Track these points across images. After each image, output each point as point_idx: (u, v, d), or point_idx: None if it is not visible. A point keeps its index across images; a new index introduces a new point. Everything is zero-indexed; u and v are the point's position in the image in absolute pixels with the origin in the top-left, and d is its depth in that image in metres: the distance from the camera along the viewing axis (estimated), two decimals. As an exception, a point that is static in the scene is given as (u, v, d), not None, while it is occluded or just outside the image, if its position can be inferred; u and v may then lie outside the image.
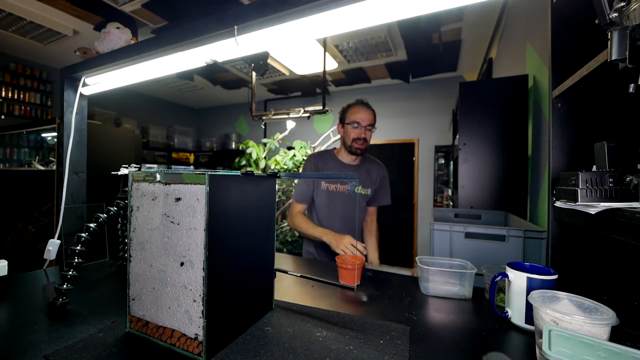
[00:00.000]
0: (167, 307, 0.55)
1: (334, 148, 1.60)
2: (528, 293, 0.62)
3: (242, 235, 0.60)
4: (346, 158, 1.50)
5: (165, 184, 0.56)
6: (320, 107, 2.77)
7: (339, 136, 1.53)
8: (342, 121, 1.49)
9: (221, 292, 0.54)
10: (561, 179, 0.71)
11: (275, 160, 3.37)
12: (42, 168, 3.05)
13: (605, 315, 0.49)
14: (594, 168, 0.66)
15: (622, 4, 0.45)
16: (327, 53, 3.26)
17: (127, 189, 0.76)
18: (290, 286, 0.90)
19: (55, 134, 2.98)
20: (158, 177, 0.58)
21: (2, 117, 3.89)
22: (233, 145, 5.84)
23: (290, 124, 3.70)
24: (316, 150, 3.37)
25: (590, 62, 0.61)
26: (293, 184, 3.57)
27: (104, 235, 1.11)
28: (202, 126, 6.84)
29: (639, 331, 0.58)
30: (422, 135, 4.70)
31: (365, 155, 1.54)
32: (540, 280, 0.63)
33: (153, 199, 0.58)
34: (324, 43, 3.06)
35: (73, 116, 1.22)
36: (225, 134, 6.04)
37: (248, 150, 3.46)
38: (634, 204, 0.52)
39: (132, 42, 1.20)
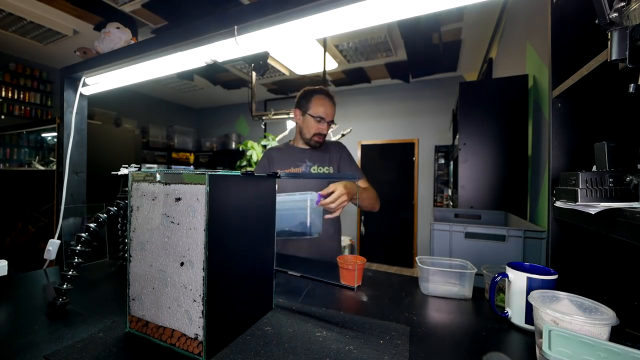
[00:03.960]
0: (167, 307, 0.55)
1: (292, 141, 1.52)
2: (528, 293, 0.62)
3: (242, 235, 0.60)
4: (300, 145, 1.43)
5: (165, 184, 0.56)
6: (320, 107, 2.77)
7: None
8: (302, 108, 1.36)
9: (221, 292, 0.54)
10: (561, 179, 0.71)
11: (275, 160, 3.37)
12: (42, 168, 3.05)
13: (605, 315, 0.49)
14: (594, 168, 0.66)
15: (622, 4, 0.45)
16: (327, 53, 3.26)
17: (127, 189, 0.76)
18: (290, 286, 0.90)
19: (55, 134, 2.98)
20: (158, 177, 0.58)
21: (2, 117, 3.89)
22: (233, 145, 5.84)
23: (290, 124, 3.70)
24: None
25: (590, 62, 0.61)
26: (293, 184, 3.56)
27: (103, 235, 1.11)
28: (202, 126, 6.84)
29: (639, 331, 0.58)
30: (422, 135, 4.70)
31: None
32: (540, 280, 0.63)
33: (153, 199, 0.58)
34: (324, 43, 3.06)
35: (73, 116, 1.22)
36: (225, 134, 6.04)
37: (248, 153, 3.46)
38: (634, 204, 0.52)
39: (132, 42, 1.20)
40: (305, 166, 1.38)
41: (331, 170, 1.39)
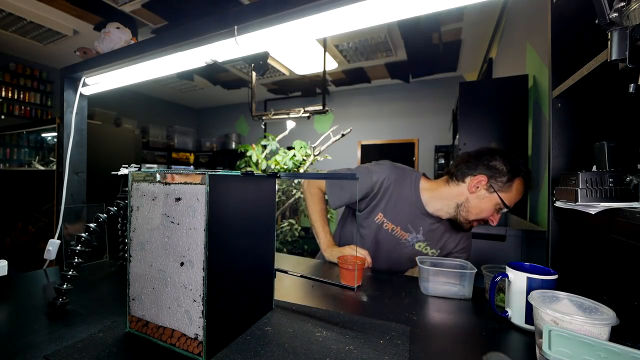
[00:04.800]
0: (167, 307, 0.55)
1: (420, 172, 1.11)
2: (528, 293, 0.62)
3: (242, 235, 0.60)
4: (433, 206, 1.03)
5: (165, 184, 0.56)
6: (320, 107, 2.77)
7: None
8: (495, 181, 0.93)
9: (221, 292, 0.54)
10: (561, 179, 0.71)
11: (276, 160, 3.37)
12: (42, 168, 3.05)
13: (605, 315, 0.49)
14: (594, 168, 0.66)
15: (622, 4, 0.45)
16: (327, 53, 3.26)
17: (127, 189, 0.76)
18: (290, 286, 0.91)
19: (55, 134, 2.98)
20: (158, 177, 0.58)
21: (2, 117, 3.89)
22: (233, 146, 5.84)
23: (290, 124, 3.70)
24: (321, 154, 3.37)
25: (590, 62, 0.61)
26: (293, 184, 3.57)
27: (103, 235, 1.11)
28: (202, 126, 6.84)
29: (639, 331, 0.58)
30: (422, 135, 4.70)
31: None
32: (540, 280, 0.63)
33: (153, 199, 0.58)
34: (324, 43, 3.06)
35: (73, 116, 1.22)
36: (225, 134, 6.04)
37: (248, 153, 3.46)
38: (634, 204, 0.52)
39: (132, 42, 1.20)
40: (412, 237, 1.06)
41: (434, 253, 1.07)
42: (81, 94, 1.24)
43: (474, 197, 0.95)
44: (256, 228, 0.65)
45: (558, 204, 0.70)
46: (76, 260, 0.71)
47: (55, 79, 4.34)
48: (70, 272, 0.71)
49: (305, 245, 4.00)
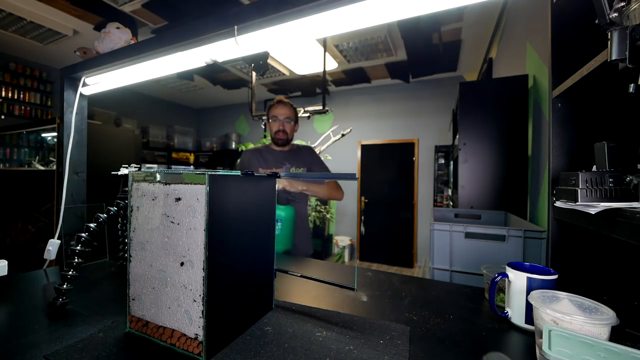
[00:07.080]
0: (167, 307, 0.55)
1: (270, 144, 1.78)
2: (528, 293, 0.62)
3: (242, 235, 0.60)
4: (277, 148, 1.68)
5: (165, 184, 0.56)
6: (320, 107, 2.77)
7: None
8: (267, 119, 1.67)
9: (221, 292, 0.54)
10: (561, 179, 0.71)
11: (275, 160, 3.36)
12: (42, 168, 3.05)
13: (605, 315, 0.49)
14: (594, 168, 0.66)
15: (622, 4, 0.45)
16: (327, 53, 3.26)
17: (127, 189, 0.76)
18: (290, 286, 0.91)
19: (55, 134, 2.98)
20: (158, 177, 0.58)
21: (2, 117, 3.89)
22: (233, 145, 5.84)
23: (290, 124, 3.69)
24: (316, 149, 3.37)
25: (590, 62, 0.61)
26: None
27: (104, 235, 1.11)
28: (202, 126, 6.84)
29: (639, 331, 0.58)
30: (422, 135, 4.70)
31: (293, 144, 1.76)
32: (540, 280, 0.63)
33: (153, 199, 0.58)
34: (324, 43, 3.06)
35: (73, 116, 1.22)
36: (225, 134, 6.04)
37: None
38: (634, 204, 0.52)
39: (132, 42, 1.20)
40: (286, 167, 1.62)
41: (305, 171, 1.60)
42: (81, 94, 1.24)
43: (269, 128, 1.66)
44: (256, 228, 0.65)
45: (558, 204, 0.70)
46: (76, 260, 0.71)
47: (55, 79, 4.34)
48: (70, 272, 0.71)
49: (305, 245, 3.97)
